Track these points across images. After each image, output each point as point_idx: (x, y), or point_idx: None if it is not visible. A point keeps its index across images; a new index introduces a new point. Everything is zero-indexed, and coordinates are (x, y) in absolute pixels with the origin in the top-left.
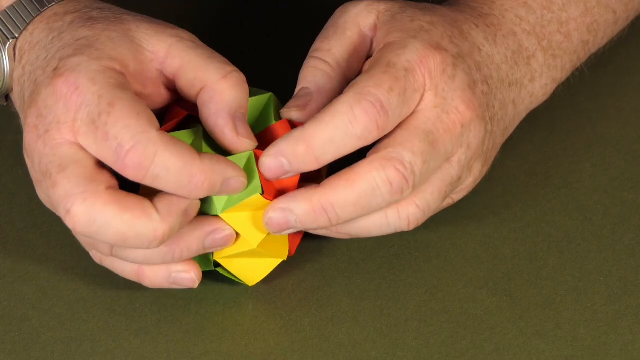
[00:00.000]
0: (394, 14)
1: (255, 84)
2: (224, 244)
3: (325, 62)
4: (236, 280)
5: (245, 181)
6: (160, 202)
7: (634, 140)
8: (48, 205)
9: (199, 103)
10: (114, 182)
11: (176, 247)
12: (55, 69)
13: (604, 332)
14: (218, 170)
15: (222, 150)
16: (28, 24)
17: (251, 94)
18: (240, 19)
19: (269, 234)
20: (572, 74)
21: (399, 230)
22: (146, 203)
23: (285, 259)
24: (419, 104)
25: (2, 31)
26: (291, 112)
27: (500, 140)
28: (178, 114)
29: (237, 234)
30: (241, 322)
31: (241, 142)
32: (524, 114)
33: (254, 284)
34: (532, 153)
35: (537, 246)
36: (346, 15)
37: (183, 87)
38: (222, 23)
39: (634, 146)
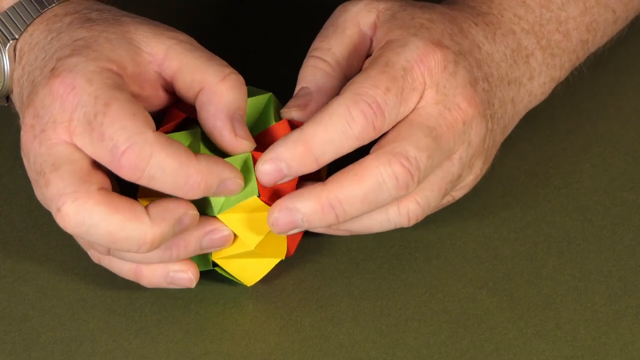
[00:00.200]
0: (393, 13)
1: (254, 85)
2: (222, 244)
3: (325, 61)
4: (234, 280)
5: (242, 183)
6: (154, 207)
7: (634, 140)
8: (44, 205)
9: (198, 105)
10: (107, 183)
11: (173, 247)
12: (53, 69)
13: (604, 332)
14: (214, 171)
15: (220, 152)
16: (28, 25)
17: (251, 94)
18: (237, 20)
19: (266, 234)
20: (571, 74)
21: (398, 226)
22: (138, 206)
23: (283, 258)
24: (419, 101)
25: (2, 32)
26: (291, 111)
27: (500, 138)
28: (176, 116)
29: (235, 235)
30: (241, 322)
31: (239, 143)
32: (523, 113)
33: (252, 284)
34: (532, 153)
35: (537, 246)
36: (346, 14)
37: (181, 89)
38: (219, 24)
39: (634, 146)
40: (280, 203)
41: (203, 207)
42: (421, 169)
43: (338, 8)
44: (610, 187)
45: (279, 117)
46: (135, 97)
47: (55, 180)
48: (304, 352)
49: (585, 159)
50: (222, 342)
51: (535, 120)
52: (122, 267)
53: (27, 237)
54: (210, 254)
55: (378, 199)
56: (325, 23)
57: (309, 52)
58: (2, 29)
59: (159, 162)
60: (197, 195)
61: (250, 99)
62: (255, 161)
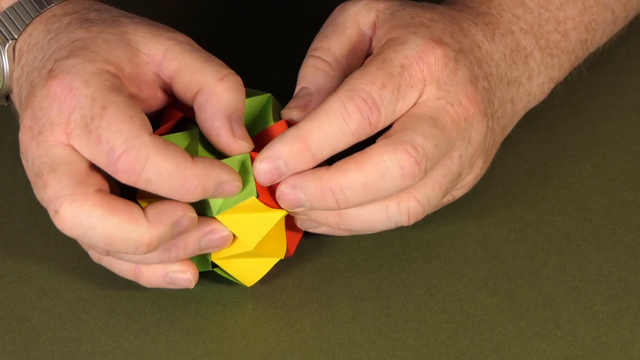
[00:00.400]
0: (393, 12)
1: (254, 85)
2: (221, 245)
3: (325, 61)
4: (234, 280)
5: (240, 185)
6: (152, 209)
7: (634, 140)
8: (44, 205)
9: (196, 106)
10: (105, 185)
11: (172, 248)
12: (50, 70)
13: (604, 332)
14: (211, 174)
15: (218, 153)
16: (27, 25)
17: (250, 95)
18: (237, 20)
19: (265, 235)
20: (570, 74)
21: (398, 224)
22: (135, 208)
23: (283, 258)
24: (420, 97)
25: (1, 32)
26: (292, 112)
27: (499, 138)
28: (174, 115)
29: (234, 236)
30: (241, 322)
31: (237, 144)
32: (522, 113)
33: (251, 284)
34: (532, 153)
35: (537, 246)
36: (345, 13)
37: (179, 90)
38: (220, 24)
39: (634, 146)
40: (286, 180)
41: (202, 208)
42: (428, 158)
43: (337, 8)
44: (610, 187)
45: (278, 118)
46: (133, 99)
47: (53, 182)
48: (304, 352)
49: (585, 159)
50: (222, 342)
51: (535, 120)
52: (122, 267)
53: (27, 237)
54: (210, 254)
55: (381, 188)
56: (325, 23)
57: (308, 51)
58: (1, 28)
59: (156, 165)
60: (194, 198)
61: (249, 99)
62: (252, 161)
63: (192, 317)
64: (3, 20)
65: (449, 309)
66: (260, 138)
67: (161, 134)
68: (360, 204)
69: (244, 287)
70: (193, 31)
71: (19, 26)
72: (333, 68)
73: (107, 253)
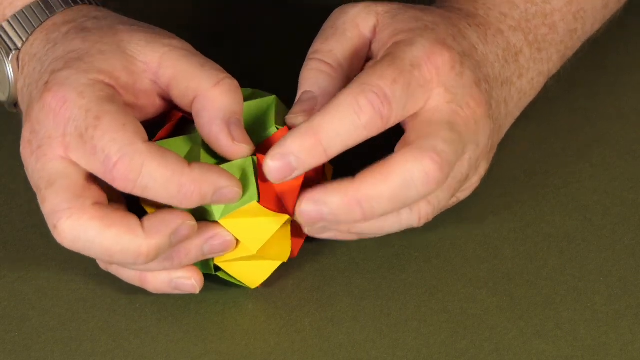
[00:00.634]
0: (394, 15)
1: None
2: (223, 250)
3: (327, 63)
4: (238, 283)
5: (240, 191)
6: (150, 219)
7: (634, 140)
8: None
9: (194, 112)
10: (103, 197)
11: (175, 255)
12: (46, 83)
13: (604, 332)
14: (209, 180)
15: (221, 158)
16: (30, 35)
17: (255, 97)
18: (237, 21)
19: (269, 238)
20: (564, 67)
21: (408, 226)
22: (133, 220)
23: (286, 260)
24: (430, 101)
25: (5, 42)
26: (298, 117)
27: (497, 139)
28: (173, 116)
29: (237, 240)
30: (241, 322)
31: (237, 147)
32: (516, 112)
33: (255, 286)
34: (532, 153)
35: (537, 246)
36: (345, 16)
37: (177, 97)
38: (220, 26)
39: (634, 146)
40: (308, 195)
41: (204, 214)
42: (450, 164)
43: (336, 10)
44: (610, 187)
45: (282, 120)
46: (130, 107)
47: (50, 197)
48: (304, 352)
49: (585, 159)
50: (222, 342)
51: (535, 120)
52: (128, 275)
53: (27, 237)
54: (212, 259)
55: (407, 197)
56: (324, 25)
57: (309, 54)
58: (5, 39)
59: (151, 171)
60: (192, 204)
61: (253, 101)
62: (259, 164)
63: (192, 317)
64: (7, 30)
65: (449, 309)
66: (263, 147)
67: (161, 137)
68: (384, 214)
69: (244, 287)
70: (194, 33)
71: (22, 36)
72: (335, 70)
73: (111, 262)
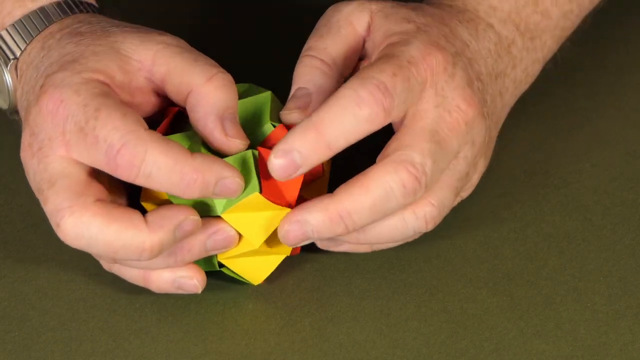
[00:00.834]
0: (387, 15)
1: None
2: (227, 245)
3: (322, 60)
4: (241, 279)
5: (242, 182)
6: (153, 215)
7: (634, 140)
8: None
9: (188, 108)
10: (104, 194)
11: (178, 251)
12: (42, 86)
13: (604, 332)
14: (212, 169)
15: (220, 154)
16: (28, 44)
17: (251, 93)
18: (233, 18)
19: (272, 232)
20: (564, 45)
21: (417, 231)
22: (135, 215)
23: (289, 254)
24: (419, 102)
25: (3, 51)
26: (292, 114)
27: (494, 132)
28: (170, 112)
29: (240, 236)
30: (241, 322)
31: (231, 142)
32: (511, 102)
33: (259, 282)
34: (532, 153)
35: (537, 246)
36: (339, 14)
37: (172, 93)
38: (217, 23)
39: (634, 146)
40: (289, 217)
41: (206, 210)
42: (428, 174)
43: (330, 8)
44: (610, 187)
45: (277, 115)
46: (126, 105)
47: (52, 197)
48: (304, 352)
49: (586, 159)
50: (222, 342)
51: (535, 121)
52: (131, 274)
53: (27, 237)
54: (216, 255)
55: (387, 208)
56: (318, 22)
57: (303, 51)
58: (4, 48)
59: (154, 158)
60: (194, 194)
61: (249, 98)
62: (262, 158)
63: (192, 317)
64: (5, 39)
65: (449, 309)
66: (262, 144)
67: (162, 133)
68: (367, 225)
69: (244, 287)
70: (194, 33)
71: (20, 45)
72: (330, 68)
73: (115, 261)
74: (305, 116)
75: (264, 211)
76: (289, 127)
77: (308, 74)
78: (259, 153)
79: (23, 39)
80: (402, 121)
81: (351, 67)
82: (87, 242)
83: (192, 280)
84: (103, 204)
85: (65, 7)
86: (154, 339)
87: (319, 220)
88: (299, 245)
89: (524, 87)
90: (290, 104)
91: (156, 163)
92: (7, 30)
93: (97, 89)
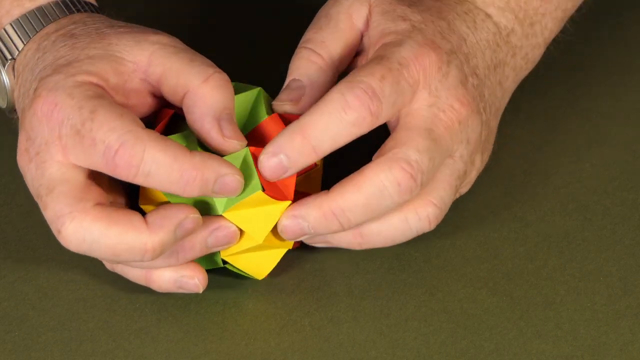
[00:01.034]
0: (384, 11)
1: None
2: (228, 242)
3: (318, 54)
4: (245, 275)
5: (242, 180)
6: (153, 215)
7: (634, 140)
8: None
9: (184, 108)
10: (104, 197)
11: (179, 250)
12: (35, 89)
13: (604, 332)
14: (211, 166)
15: (217, 154)
16: (25, 45)
17: (240, 90)
18: (228, 14)
19: (273, 226)
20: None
21: (420, 231)
22: (136, 217)
23: (291, 247)
24: (413, 102)
25: (1, 51)
26: (284, 105)
27: (494, 123)
28: (165, 114)
29: (241, 232)
30: (241, 322)
31: (228, 143)
32: (512, 88)
33: (263, 277)
34: (532, 153)
35: (537, 246)
36: (339, 6)
37: (168, 94)
38: (214, 22)
39: (634, 146)
40: (288, 211)
41: (207, 210)
42: (423, 172)
43: (330, 0)
44: (610, 187)
45: (270, 112)
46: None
47: (52, 203)
48: (304, 352)
49: (586, 159)
50: (222, 342)
51: (535, 121)
52: (134, 274)
53: (27, 237)
54: (219, 252)
55: (381, 206)
56: (317, 14)
57: (300, 42)
58: (1, 47)
59: (153, 156)
60: (194, 192)
61: (239, 95)
62: (254, 157)
63: (192, 317)
64: (2, 38)
65: (449, 309)
66: (254, 134)
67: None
68: (362, 223)
69: (244, 287)
70: (194, 32)
71: (17, 46)
72: (326, 63)
73: (118, 262)
74: (297, 109)
75: (264, 205)
76: (283, 116)
77: (304, 66)
78: (252, 153)
79: (20, 39)
80: (397, 121)
81: (347, 62)
82: (89, 247)
83: (194, 280)
84: (103, 207)
85: (63, 6)
86: (154, 339)
87: (314, 217)
88: (298, 239)
89: (524, 72)
90: (283, 95)
91: (155, 161)
92: (4, 30)
93: (91, 91)
